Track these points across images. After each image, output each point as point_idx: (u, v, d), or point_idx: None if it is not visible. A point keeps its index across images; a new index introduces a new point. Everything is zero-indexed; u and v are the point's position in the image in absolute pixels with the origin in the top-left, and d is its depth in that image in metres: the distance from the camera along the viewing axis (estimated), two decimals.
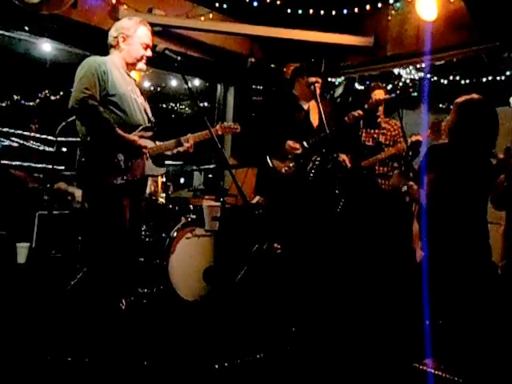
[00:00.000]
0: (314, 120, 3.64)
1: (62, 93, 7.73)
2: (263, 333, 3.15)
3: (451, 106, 2.86)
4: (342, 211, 3.57)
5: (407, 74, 6.33)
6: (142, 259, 3.85)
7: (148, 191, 3.98)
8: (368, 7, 4.95)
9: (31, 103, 7.90)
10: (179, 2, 5.25)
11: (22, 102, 7.94)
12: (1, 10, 4.20)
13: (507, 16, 4.27)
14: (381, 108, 4.21)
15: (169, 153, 2.91)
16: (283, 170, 3.51)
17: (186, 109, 9.27)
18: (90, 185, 2.72)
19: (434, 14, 4.44)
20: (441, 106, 6.38)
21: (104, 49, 2.88)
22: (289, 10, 5.01)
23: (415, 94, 6.59)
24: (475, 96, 2.75)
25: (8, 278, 3.96)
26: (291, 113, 3.64)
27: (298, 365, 2.77)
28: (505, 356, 2.55)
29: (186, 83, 2.79)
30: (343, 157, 3.78)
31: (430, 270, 2.64)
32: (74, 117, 2.81)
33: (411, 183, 2.83)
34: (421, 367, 2.59)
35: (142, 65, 2.87)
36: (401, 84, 6.57)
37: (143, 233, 3.98)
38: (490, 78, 6.14)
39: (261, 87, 6.20)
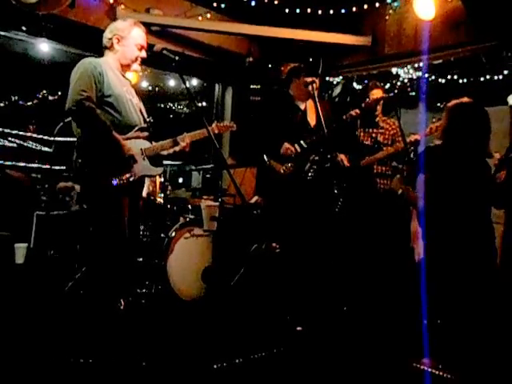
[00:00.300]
0: (312, 120, 3.64)
1: (59, 93, 7.73)
2: (262, 332, 3.15)
3: (448, 105, 2.89)
4: (341, 211, 3.57)
5: (405, 73, 6.33)
6: (141, 259, 3.84)
7: (146, 191, 3.98)
8: (366, 6, 4.96)
9: (29, 103, 7.90)
10: (177, 1, 5.25)
11: (20, 102, 7.93)
12: None
13: (505, 15, 4.27)
14: (379, 107, 4.21)
15: (165, 152, 2.90)
16: (281, 171, 3.52)
17: (184, 109, 9.28)
18: (87, 186, 2.72)
19: (432, 13, 4.45)
20: (439, 105, 6.38)
21: (102, 49, 2.88)
22: (287, 10, 5.01)
23: (413, 93, 6.59)
24: (465, 99, 2.85)
25: (6, 279, 3.95)
26: (289, 112, 3.64)
27: (297, 364, 2.77)
28: (502, 355, 2.55)
29: (184, 83, 2.80)
30: (341, 156, 3.78)
31: (427, 269, 2.64)
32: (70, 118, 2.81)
33: (408, 187, 2.85)
34: (419, 366, 2.59)
35: (136, 66, 2.87)
36: (399, 83, 6.58)
37: (142, 233, 3.97)
38: (487, 77, 6.14)
39: (259, 87, 6.19)
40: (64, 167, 4.69)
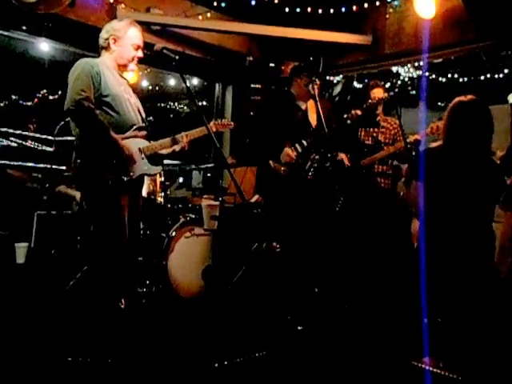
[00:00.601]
0: (313, 119, 3.64)
1: (60, 92, 7.72)
2: (262, 331, 3.15)
3: (449, 104, 2.88)
4: (341, 210, 3.58)
5: (405, 72, 6.34)
6: (141, 258, 3.84)
7: (147, 191, 3.98)
8: (366, 5, 4.95)
9: (29, 103, 7.89)
10: (177, 0, 5.24)
11: (20, 101, 7.92)
12: None
13: (505, 14, 4.27)
14: (380, 107, 4.21)
15: (164, 151, 2.91)
16: (282, 171, 3.52)
17: (185, 108, 9.28)
18: (87, 186, 2.72)
19: (432, 12, 4.44)
20: (439, 103, 6.38)
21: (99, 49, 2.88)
22: (287, 9, 5.01)
23: (414, 92, 6.60)
24: (466, 97, 2.80)
25: (7, 279, 3.95)
26: (290, 112, 3.64)
27: (298, 363, 2.77)
28: (503, 354, 2.55)
29: (185, 82, 2.79)
30: (342, 156, 3.79)
31: (428, 268, 2.64)
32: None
33: (408, 188, 2.85)
34: (419, 365, 2.59)
35: (133, 66, 2.87)
36: (399, 82, 6.58)
37: (142, 232, 3.97)
38: (488, 75, 6.15)
39: (259, 86, 6.19)
40: (65, 167, 4.69)
